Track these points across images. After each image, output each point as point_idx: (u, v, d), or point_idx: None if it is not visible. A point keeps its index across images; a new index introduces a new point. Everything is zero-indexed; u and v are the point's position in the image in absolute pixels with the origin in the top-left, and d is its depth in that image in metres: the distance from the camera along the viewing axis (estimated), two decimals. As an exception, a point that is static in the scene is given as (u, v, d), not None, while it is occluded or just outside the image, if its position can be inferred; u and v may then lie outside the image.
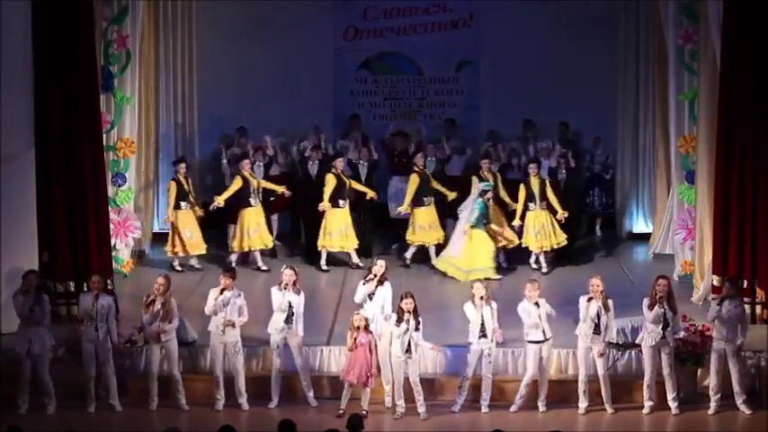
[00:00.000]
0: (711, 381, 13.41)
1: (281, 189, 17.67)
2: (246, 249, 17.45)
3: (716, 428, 13.15)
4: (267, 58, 20.05)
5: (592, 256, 18.15)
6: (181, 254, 17.37)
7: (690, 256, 16.44)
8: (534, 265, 17.37)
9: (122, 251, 16.95)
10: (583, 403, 13.44)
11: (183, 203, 17.34)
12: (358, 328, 13.35)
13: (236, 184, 17.40)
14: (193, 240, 17.37)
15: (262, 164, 18.19)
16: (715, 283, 14.97)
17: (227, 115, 19.58)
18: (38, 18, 14.56)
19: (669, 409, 13.38)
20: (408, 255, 17.65)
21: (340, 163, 17.56)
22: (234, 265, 16.51)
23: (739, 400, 13.35)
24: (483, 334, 13.36)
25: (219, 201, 17.37)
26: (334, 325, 14.87)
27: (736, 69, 14.71)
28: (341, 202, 17.39)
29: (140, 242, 17.91)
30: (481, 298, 13.37)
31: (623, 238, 19.23)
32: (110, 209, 16.05)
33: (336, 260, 17.69)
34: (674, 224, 17.05)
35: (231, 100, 19.81)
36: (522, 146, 19.06)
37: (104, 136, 16.14)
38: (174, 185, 17.37)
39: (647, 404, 13.40)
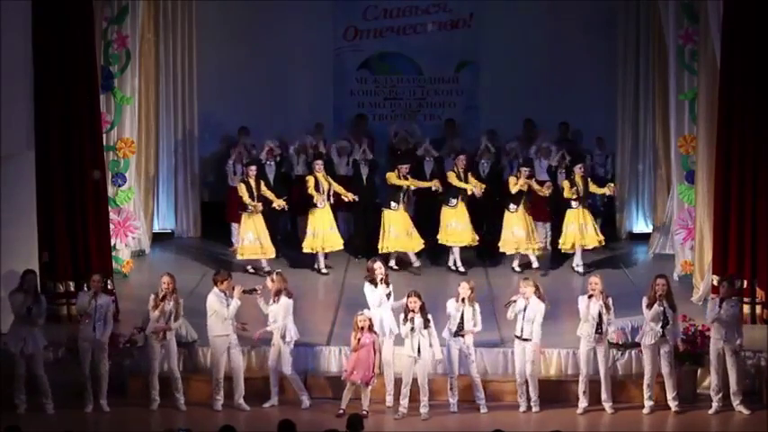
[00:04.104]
0: (712, 381, 13.40)
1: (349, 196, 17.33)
2: (319, 250, 17.30)
3: (716, 428, 13.14)
4: (267, 59, 20.05)
5: (591, 255, 18.13)
6: (238, 256, 17.11)
7: (690, 256, 16.44)
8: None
9: (122, 251, 16.92)
10: (583, 403, 13.43)
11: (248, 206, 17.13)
12: (362, 328, 13.35)
13: (309, 183, 17.21)
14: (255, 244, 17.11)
15: (273, 164, 18.15)
16: (715, 283, 14.96)
17: (226, 115, 19.62)
18: (38, 18, 14.55)
19: (669, 408, 13.38)
20: (452, 260, 17.51)
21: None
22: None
23: (736, 401, 13.33)
24: (459, 333, 13.39)
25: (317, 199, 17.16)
26: (334, 325, 14.86)
27: (736, 69, 14.71)
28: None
29: (140, 242, 17.93)
30: (463, 300, 13.39)
31: (623, 238, 19.24)
32: (110, 209, 16.05)
33: (336, 260, 17.69)
34: (674, 224, 17.06)
35: (231, 100, 19.82)
36: (518, 146, 19.03)
37: (104, 136, 16.14)
38: (242, 187, 17.09)
39: (647, 404, 13.40)
